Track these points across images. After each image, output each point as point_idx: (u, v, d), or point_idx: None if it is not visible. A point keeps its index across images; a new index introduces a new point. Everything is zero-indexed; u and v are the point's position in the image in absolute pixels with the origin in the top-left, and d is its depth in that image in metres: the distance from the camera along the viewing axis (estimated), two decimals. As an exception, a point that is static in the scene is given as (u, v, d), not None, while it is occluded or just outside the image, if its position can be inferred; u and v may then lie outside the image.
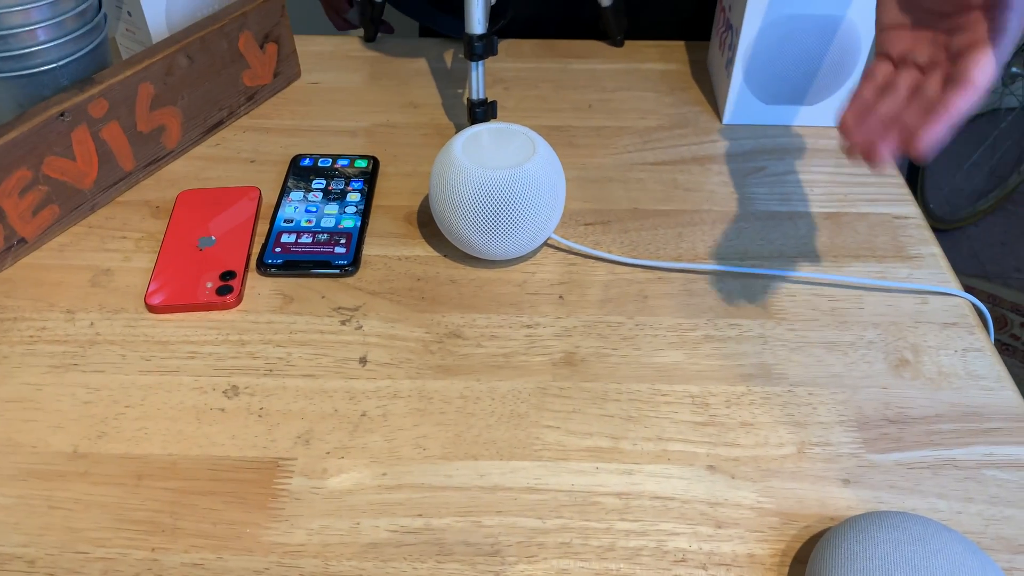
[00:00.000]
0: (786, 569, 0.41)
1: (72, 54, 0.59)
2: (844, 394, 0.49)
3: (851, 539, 0.39)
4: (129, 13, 0.68)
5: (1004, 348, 1.51)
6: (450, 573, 0.41)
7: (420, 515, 0.43)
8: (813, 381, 0.50)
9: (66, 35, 0.58)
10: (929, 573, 0.37)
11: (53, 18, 0.57)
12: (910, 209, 0.62)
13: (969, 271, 1.67)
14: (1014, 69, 1.61)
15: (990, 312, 1.58)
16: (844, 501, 0.44)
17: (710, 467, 0.45)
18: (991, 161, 1.88)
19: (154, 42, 0.67)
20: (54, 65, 0.58)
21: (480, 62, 0.62)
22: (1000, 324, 1.55)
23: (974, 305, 0.56)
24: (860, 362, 0.51)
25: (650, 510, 0.43)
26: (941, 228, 1.74)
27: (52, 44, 0.58)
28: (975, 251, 1.71)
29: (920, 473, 0.45)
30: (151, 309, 0.54)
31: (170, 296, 0.54)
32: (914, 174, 1.60)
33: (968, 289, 1.61)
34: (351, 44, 0.79)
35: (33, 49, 0.57)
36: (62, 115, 0.56)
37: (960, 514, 0.44)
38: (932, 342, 0.52)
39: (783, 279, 0.56)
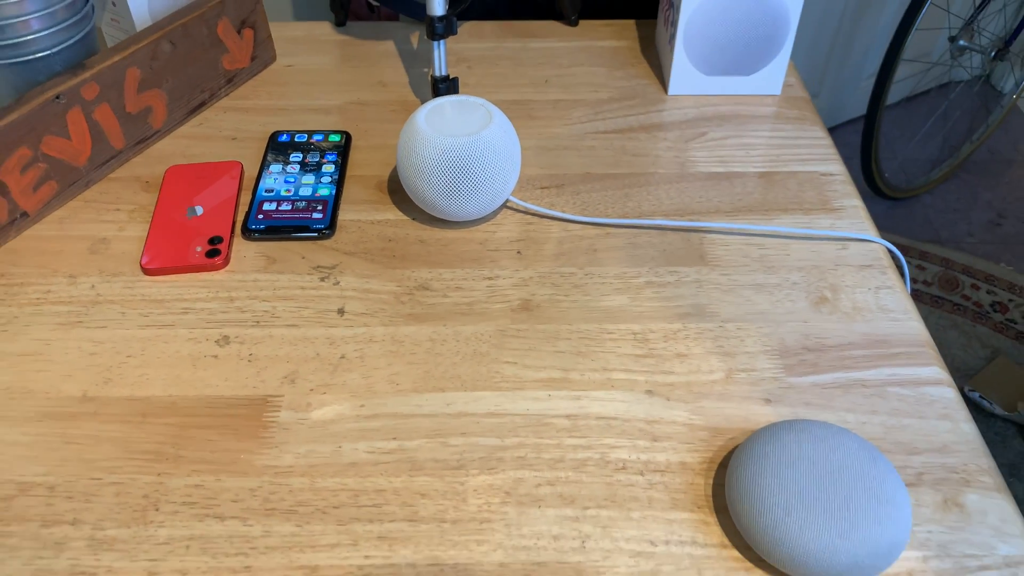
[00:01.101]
0: (712, 473, 0.48)
1: (64, 42, 0.64)
2: (769, 328, 0.56)
3: (763, 441, 0.45)
4: (114, 3, 0.73)
5: (956, 308, 1.59)
6: (421, 484, 0.47)
7: (395, 438, 0.49)
8: (742, 318, 0.56)
9: (58, 24, 0.63)
10: (826, 465, 0.43)
11: (46, 8, 0.62)
12: (835, 167, 0.69)
13: (924, 237, 1.75)
14: (962, 42, 1.69)
15: (944, 275, 1.65)
16: (765, 417, 0.51)
17: (648, 392, 0.52)
18: (943, 132, 1.96)
19: (137, 30, 0.72)
20: (47, 52, 0.63)
21: (441, 41, 0.68)
22: (952, 285, 1.63)
23: (888, 250, 0.62)
24: (784, 300, 0.58)
25: (595, 428, 0.50)
26: (897, 197, 1.82)
27: (45, 33, 0.63)
28: (929, 218, 1.79)
29: (832, 392, 0.52)
30: (146, 272, 0.59)
31: (163, 260, 0.59)
32: (868, 145, 1.67)
33: (923, 254, 1.69)
34: (322, 29, 0.85)
35: (28, 38, 0.62)
36: (58, 97, 0.61)
37: (865, 424, 0.50)
38: (849, 282, 0.59)
39: (718, 231, 0.63)
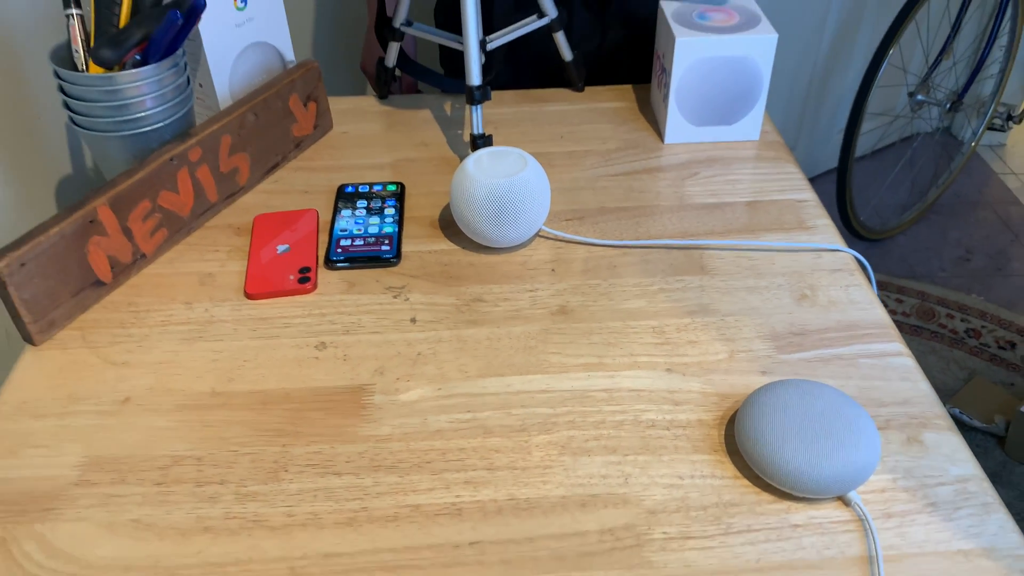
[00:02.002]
0: (723, 426, 0.60)
1: (171, 116, 0.78)
2: (761, 319, 0.69)
3: (761, 395, 0.58)
4: (200, 84, 0.87)
5: (933, 335, 1.72)
6: (493, 443, 0.59)
7: (468, 411, 0.61)
8: (739, 312, 0.69)
9: (167, 103, 0.78)
10: (811, 408, 0.56)
11: (158, 91, 0.77)
12: (808, 195, 0.83)
13: (900, 273, 1.89)
14: (920, 97, 1.87)
15: (921, 306, 1.79)
16: (762, 384, 0.63)
17: (668, 370, 0.64)
18: (910, 178, 2.13)
19: (220, 106, 0.87)
20: (159, 125, 0.77)
21: (478, 106, 0.82)
22: (929, 315, 1.76)
23: (855, 257, 0.76)
24: (772, 299, 0.71)
25: (628, 398, 0.62)
26: (873, 238, 1.97)
27: (158, 109, 0.77)
28: (904, 256, 1.94)
29: (815, 364, 0.65)
30: (249, 297, 0.72)
31: (263, 287, 0.72)
32: (842, 193, 1.83)
33: (900, 288, 1.83)
34: (369, 102, 1.00)
35: (144, 114, 0.76)
36: (172, 160, 0.75)
37: (843, 386, 0.63)
38: (824, 282, 0.72)
39: (715, 248, 0.76)
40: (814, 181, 2.20)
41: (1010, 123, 2.13)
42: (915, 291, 1.83)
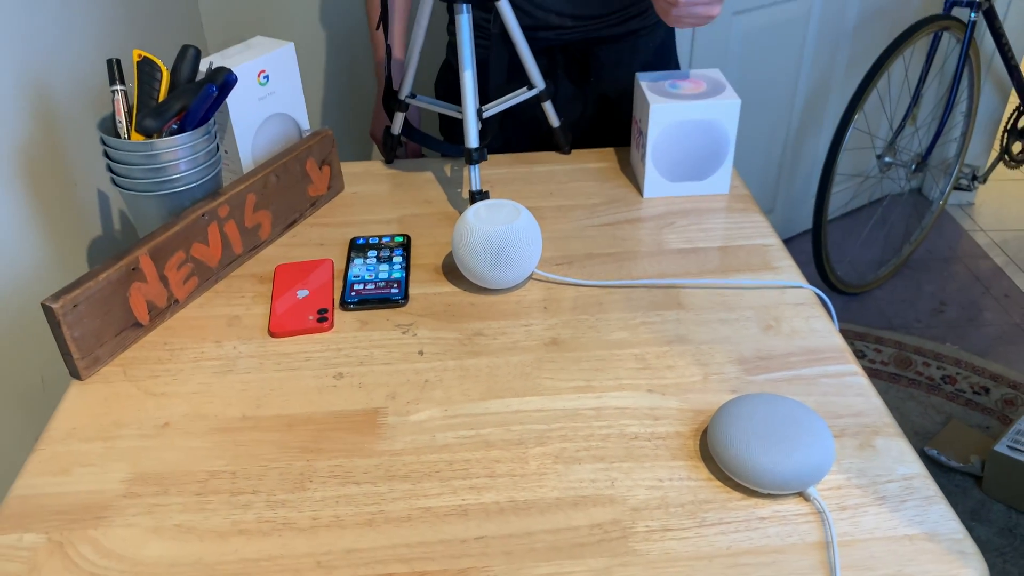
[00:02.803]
0: (698, 437, 0.68)
1: (203, 177, 0.88)
2: (731, 346, 0.77)
3: (730, 406, 0.66)
4: (226, 151, 0.97)
5: (911, 382, 1.80)
6: (494, 455, 0.66)
7: (472, 428, 0.69)
8: (712, 341, 0.78)
9: (199, 166, 0.87)
10: (774, 415, 0.64)
11: (192, 155, 0.86)
12: (773, 240, 0.92)
13: (878, 324, 1.99)
14: (887, 159, 1.99)
15: (898, 355, 1.88)
16: (733, 402, 0.71)
17: (649, 390, 0.72)
18: (883, 236, 2.25)
19: (244, 169, 0.97)
20: (192, 185, 0.87)
21: (476, 165, 0.92)
22: (906, 364, 1.85)
23: (815, 292, 0.85)
24: (741, 329, 0.79)
25: (614, 414, 0.70)
26: (851, 292, 2.07)
27: (191, 171, 0.87)
28: (882, 308, 2.03)
29: (780, 383, 0.73)
30: (273, 335, 0.80)
31: (285, 326, 0.80)
32: (818, 251, 1.94)
33: (878, 339, 1.92)
34: (376, 166, 1.10)
35: (178, 176, 0.86)
36: (204, 215, 0.84)
37: (804, 400, 0.71)
38: (788, 314, 0.81)
39: (690, 287, 0.85)
40: (792, 241, 2.31)
41: (975, 183, 2.26)
42: (893, 341, 1.91)
